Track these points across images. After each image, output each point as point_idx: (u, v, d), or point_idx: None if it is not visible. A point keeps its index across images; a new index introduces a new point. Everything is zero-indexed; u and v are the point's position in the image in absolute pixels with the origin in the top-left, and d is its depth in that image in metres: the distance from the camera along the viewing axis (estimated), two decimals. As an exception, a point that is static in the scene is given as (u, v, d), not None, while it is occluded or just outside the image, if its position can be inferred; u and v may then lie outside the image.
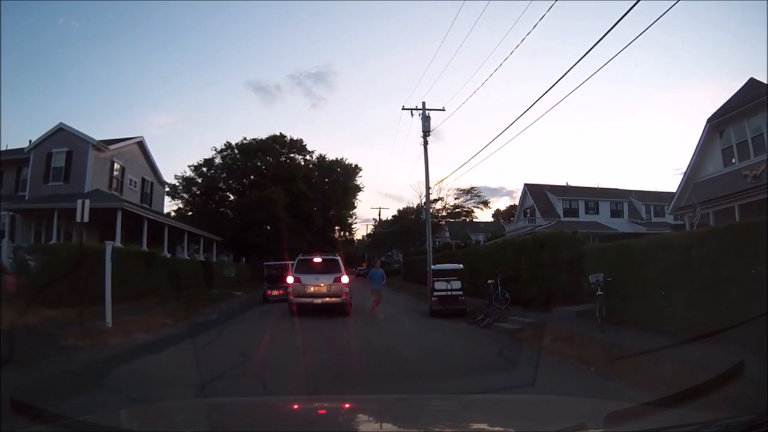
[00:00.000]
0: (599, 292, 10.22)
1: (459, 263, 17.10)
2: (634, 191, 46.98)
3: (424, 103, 25.31)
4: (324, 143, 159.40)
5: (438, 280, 15.35)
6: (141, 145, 28.21)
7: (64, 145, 24.12)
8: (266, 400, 4.02)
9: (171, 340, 10.24)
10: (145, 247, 21.38)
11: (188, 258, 26.09)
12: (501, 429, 2.39)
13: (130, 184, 26.79)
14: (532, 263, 15.10)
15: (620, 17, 8.80)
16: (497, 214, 68.21)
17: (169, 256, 23.66)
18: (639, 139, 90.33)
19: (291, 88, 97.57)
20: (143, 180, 28.29)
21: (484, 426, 2.40)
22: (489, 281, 16.12)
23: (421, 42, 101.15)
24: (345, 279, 14.37)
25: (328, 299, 13.90)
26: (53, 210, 21.20)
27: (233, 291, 23.29)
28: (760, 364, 5.00)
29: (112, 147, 24.99)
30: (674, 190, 20.99)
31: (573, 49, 67.11)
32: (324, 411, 2.70)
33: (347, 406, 2.92)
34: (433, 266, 15.82)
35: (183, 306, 15.60)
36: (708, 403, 2.55)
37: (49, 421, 2.01)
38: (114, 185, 25.21)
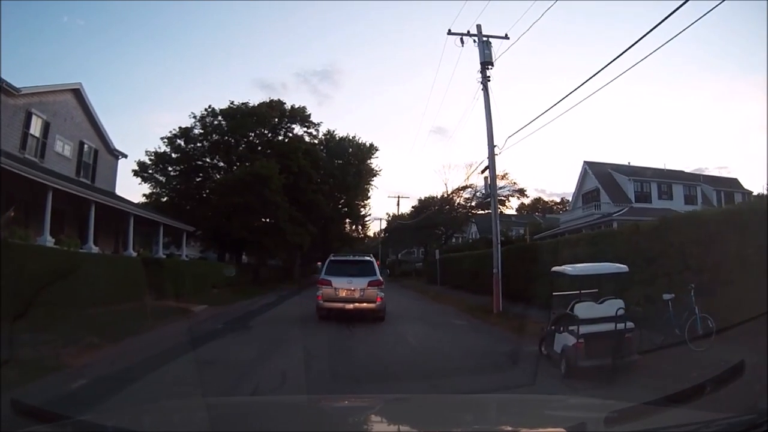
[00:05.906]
0: None
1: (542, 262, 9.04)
2: (702, 175, 40.48)
3: (479, 26, 17.50)
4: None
5: (579, 300, 7.18)
6: (78, 95, 19.90)
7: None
8: (266, 400, 3.76)
9: None
10: (47, 235, 13.48)
11: (134, 255, 17.96)
12: (501, 429, 2.33)
13: (59, 148, 18.82)
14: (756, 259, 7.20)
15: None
16: (521, 207, 60.54)
17: (96, 250, 15.65)
18: (689, 119, 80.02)
19: (297, 85, 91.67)
20: (81, 144, 20.15)
21: (484, 426, 2.33)
22: (665, 297, 8.19)
23: (422, 35, 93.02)
24: (380, 283, 13.28)
25: (359, 305, 12.78)
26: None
27: (193, 305, 15.16)
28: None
29: (28, 91, 17.02)
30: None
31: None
32: (324, 411, 2.64)
33: (347, 405, 2.84)
34: (560, 269, 7.66)
35: (55, 344, 7.66)
36: (708, 403, 2.11)
37: (49, 421, 1.93)
38: (31, 147, 17.31)
